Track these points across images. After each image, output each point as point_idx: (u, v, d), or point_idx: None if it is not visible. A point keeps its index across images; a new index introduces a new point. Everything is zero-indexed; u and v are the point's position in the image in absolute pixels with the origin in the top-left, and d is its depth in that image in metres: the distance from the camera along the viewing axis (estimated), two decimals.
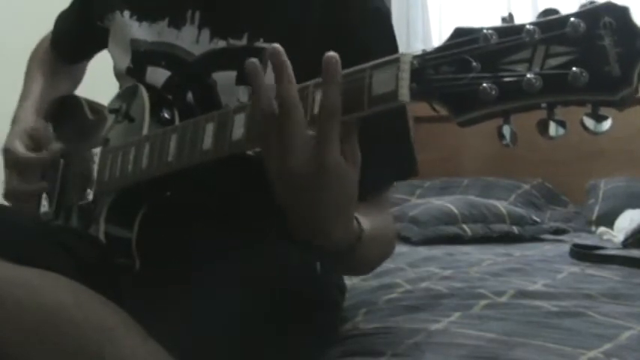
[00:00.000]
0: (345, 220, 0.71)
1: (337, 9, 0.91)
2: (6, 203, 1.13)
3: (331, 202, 0.67)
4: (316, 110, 0.65)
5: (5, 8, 2.30)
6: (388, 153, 0.88)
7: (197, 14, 0.97)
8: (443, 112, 0.58)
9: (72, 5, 1.23)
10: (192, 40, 0.97)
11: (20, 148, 1.09)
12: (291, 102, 0.63)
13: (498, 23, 0.57)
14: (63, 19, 1.26)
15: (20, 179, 1.09)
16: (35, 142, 1.12)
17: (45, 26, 1.30)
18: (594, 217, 2.54)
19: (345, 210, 0.70)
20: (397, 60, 0.60)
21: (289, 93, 0.63)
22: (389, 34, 0.95)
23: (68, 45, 1.26)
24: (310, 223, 0.69)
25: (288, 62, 0.64)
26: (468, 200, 2.45)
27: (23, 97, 1.23)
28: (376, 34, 0.91)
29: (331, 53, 0.63)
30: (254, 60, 0.65)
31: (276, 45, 0.63)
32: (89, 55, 1.29)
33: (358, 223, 0.75)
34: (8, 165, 1.11)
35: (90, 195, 1.01)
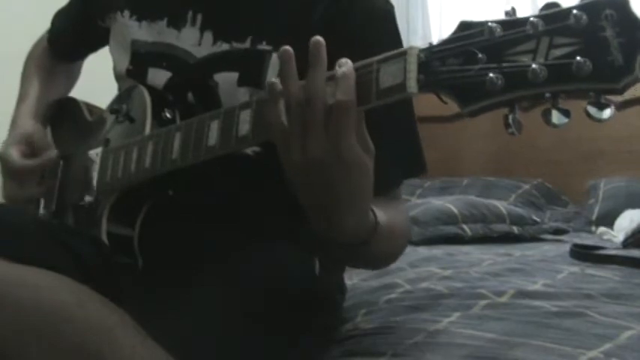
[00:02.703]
0: (359, 211, 0.72)
1: (340, 11, 0.91)
2: None
3: (346, 191, 0.68)
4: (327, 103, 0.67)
5: (5, 9, 2.30)
6: (397, 150, 0.88)
7: (199, 17, 0.97)
8: (450, 102, 0.60)
9: (70, 3, 1.22)
10: (194, 42, 0.97)
11: (15, 155, 1.09)
12: (320, 90, 0.65)
13: (501, 17, 0.58)
14: (61, 17, 1.26)
15: (17, 186, 1.10)
16: (31, 147, 1.12)
17: (43, 26, 1.30)
18: (594, 217, 2.54)
19: (359, 201, 0.71)
20: (404, 53, 0.62)
21: (319, 81, 0.66)
22: (393, 33, 0.95)
23: (66, 43, 1.26)
24: (326, 214, 0.71)
25: (325, 55, 0.66)
26: (468, 200, 2.45)
27: (20, 100, 1.23)
28: (380, 34, 0.91)
29: (343, 60, 0.65)
30: (287, 47, 0.67)
31: (320, 38, 0.66)
32: (86, 53, 1.29)
33: (374, 215, 0.75)
34: (4, 172, 1.11)
35: (91, 195, 1.01)
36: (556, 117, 0.57)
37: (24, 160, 1.10)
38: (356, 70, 0.65)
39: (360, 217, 0.72)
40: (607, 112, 0.55)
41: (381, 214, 0.77)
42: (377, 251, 0.80)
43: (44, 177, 1.13)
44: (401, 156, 0.91)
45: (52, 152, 1.11)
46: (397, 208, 0.89)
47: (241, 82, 0.92)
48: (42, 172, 1.12)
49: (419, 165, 0.97)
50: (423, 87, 0.61)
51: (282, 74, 0.67)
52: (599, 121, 0.56)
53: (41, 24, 1.31)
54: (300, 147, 0.66)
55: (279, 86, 0.68)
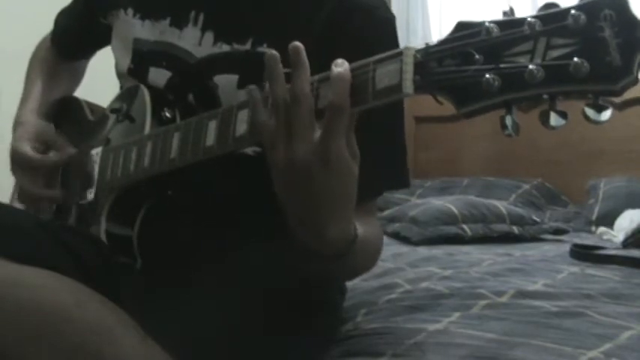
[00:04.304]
0: (342, 220, 0.71)
1: (341, 13, 0.91)
2: (18, 205, 1.13)
3: (330, 195, 0.68)
4: (320, 104, 0.67)
5: (6, 9, 2.30)
6: (382, 161, 0.88)
7: (201, 16, 0.97)
8: (446, 103, 0.60)
9: (74, 1, 1.22)
10: (195, 42, 0.97)
11: (30, 150, 1.09)
12: (304, 92, 0.66)
13: (499, 18, 0.57)
14: (64, 16, 1.26)
15: (32, 181, 1.10)
16: (43, 144, 1.12)
17: (46, 26, 1.30)
18: (594, 217, 2.54)
19: (343, 208, 0.70)
20: (400, 54, 0.62)
21: (303, 84, 0.66)
22: (392, 37, 0.95)
23: (69, 42, 1.26)
24: (308, 220, 0.70)
25: (306, 58, 0.67)
26: (468, 200, 2.45)
27: (23, 99, 1.23)
28: (379, 34, 0.91)
29: (340, 60, 0.66)
30: (274, 52, 0.68)
31: (298, 43, 0.67)
32: (90, 52, 1.29)
33: (354, 227, 0.75)
34: (19, 167, 1.11)
35: (91, 194, 1.01)
36: (554, 119, 0.56)
37: (40, 155, 1.09)
38: (352, 70, 0.65)
39: (343, 226, 0.72)
40: (605, 115, 0.55)
41: (359, 227, 0.76)
42: (351, 265, 0.80)
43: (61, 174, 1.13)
44: (385, 167, 0.91)
45: (69, 148, 1.11)
46: (372, 224, 0.88)
47: (241, 85, 0.92)
48: (58, 167, 1.12)
49: (402, 178, 0.96)
50: (419, 88, 0.61)
51: (269, 77, 0.68)
52: (597, 123, 0.55)
53: (42, 23, 1.31)
54: (287, 148, 0.66)
55: (257, 91, 0.70)
